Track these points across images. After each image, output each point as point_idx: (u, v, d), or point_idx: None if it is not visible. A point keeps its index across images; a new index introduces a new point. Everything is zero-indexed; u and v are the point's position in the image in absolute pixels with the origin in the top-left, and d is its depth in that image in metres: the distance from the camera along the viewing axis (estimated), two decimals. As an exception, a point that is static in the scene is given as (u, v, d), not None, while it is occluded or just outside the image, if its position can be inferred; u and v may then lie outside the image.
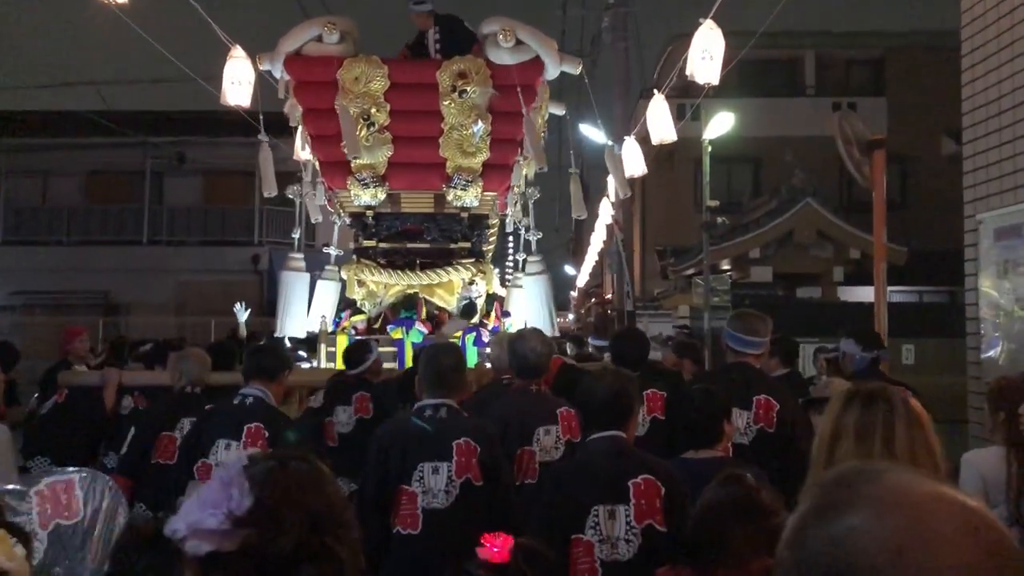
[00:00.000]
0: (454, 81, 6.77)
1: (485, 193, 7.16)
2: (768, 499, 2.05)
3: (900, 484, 0.82)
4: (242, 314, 9.90)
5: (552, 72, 6.98)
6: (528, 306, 7.15)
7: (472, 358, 6.51)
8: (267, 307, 15.22)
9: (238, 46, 7.06)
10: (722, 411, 3.20)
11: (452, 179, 7.02)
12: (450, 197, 7.11)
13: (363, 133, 6.89)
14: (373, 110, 6.87)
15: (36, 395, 6.54)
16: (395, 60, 7.11)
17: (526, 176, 7.64)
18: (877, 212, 6.60)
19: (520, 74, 6.78)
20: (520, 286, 7.69)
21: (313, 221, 8.21)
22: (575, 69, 7.08)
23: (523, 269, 7.77)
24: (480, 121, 6.75)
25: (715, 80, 5.70)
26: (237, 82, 7.07)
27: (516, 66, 6.78)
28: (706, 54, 5.63)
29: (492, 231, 7.98)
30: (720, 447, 3.17)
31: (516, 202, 7.87)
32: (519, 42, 6.78)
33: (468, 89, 6.74)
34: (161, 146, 20.34)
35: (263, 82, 7.24)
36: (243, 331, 9.77)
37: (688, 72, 5.69)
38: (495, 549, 1.71)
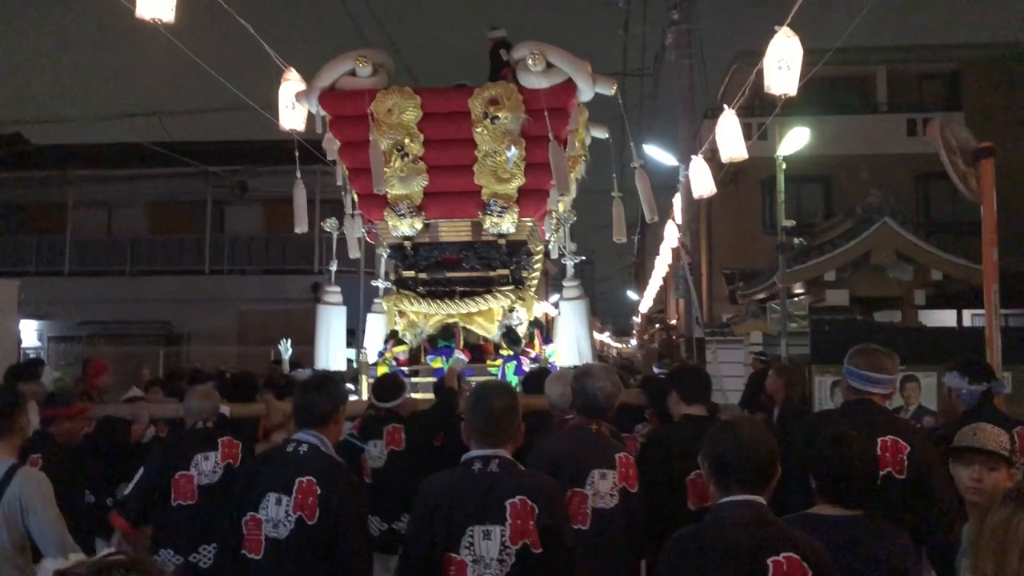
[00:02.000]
0: (486, 108, 6.67)
1: (522, 219, 7.02)
2: None
3: None
4: (286, 352, 9.96)
5: (586, 94, 6.81)
6: (565, 332, 6.91)
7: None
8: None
9: (292, 69, 7.04)
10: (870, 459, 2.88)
11: (488, 206, 6.91)
12: (487, 224, 7.01)
13: (397, 164, 6.84)
14: (407, 140, 6.83)
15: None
16: (427, 90, 7.03)
17: (565, 200, 7.41)
18: (987, 227, 5.83)
19: (552, 98, 6.61)
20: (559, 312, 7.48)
21: (351, 256, 8.15)
22: (609, 90, 6.87)
23: (560, 295, 7.55)
24: (513, 147, 6.62)
25: (793, 91, 5.37)
26: (291, 106, 7.04)
27: (548, 90, 6.62)
28: (783, 63, 5.31)
29: (535, 258, 7.79)
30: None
31: (556, 227, 7.61)
32: (550, 65, 6.63)
33: (500, 115, 6.62)
34: (223, 175, 20.56)
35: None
36: (286, 367, 9.71)
37: (766, 84, 5.33)
38: None
